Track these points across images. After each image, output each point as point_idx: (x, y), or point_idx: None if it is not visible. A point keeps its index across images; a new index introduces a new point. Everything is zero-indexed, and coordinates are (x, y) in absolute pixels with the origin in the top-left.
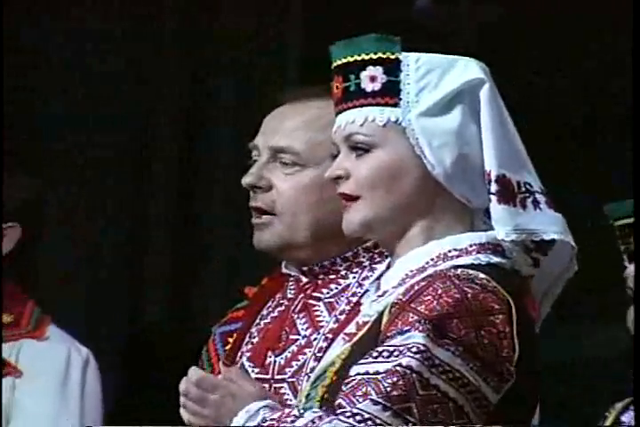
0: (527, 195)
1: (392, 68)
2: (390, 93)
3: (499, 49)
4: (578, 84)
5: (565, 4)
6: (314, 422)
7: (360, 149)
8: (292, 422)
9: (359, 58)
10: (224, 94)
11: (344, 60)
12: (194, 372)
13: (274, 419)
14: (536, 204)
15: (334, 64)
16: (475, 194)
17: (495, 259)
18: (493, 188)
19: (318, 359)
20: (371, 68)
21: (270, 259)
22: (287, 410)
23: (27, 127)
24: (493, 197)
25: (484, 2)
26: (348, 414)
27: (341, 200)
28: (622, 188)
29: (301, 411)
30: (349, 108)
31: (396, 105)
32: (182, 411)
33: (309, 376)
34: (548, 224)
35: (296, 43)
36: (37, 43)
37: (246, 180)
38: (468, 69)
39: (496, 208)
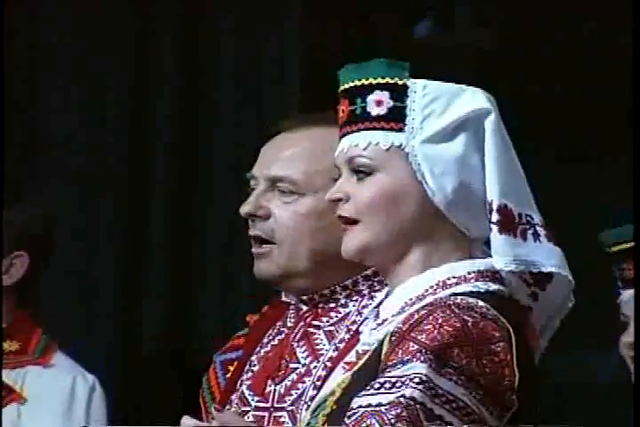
0: (528, 226)
1: (399, 93)
2: (396, 118)
3: (497, 74)
4: (577, 106)
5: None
6: None
7: (362, 173)
8: None
9: (367, 82)
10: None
11: (351, 84)
12: (187, 421)
13: None
14: (536, 236)
15: (342, 88)
16: (475, 223)
17: (494, 286)
18: (494, 217)
19: (318, 388)
20: (378, 92)
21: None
22: None
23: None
24: (494, 227)
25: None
26: None
27: (341, 223)
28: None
29: None
30: (354, 132)
31: (400, 130)
32: None
33: (309, 405)
34: (547, 257)
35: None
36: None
37: (244, 209)
38: (474, 99)
39: (496, 238)
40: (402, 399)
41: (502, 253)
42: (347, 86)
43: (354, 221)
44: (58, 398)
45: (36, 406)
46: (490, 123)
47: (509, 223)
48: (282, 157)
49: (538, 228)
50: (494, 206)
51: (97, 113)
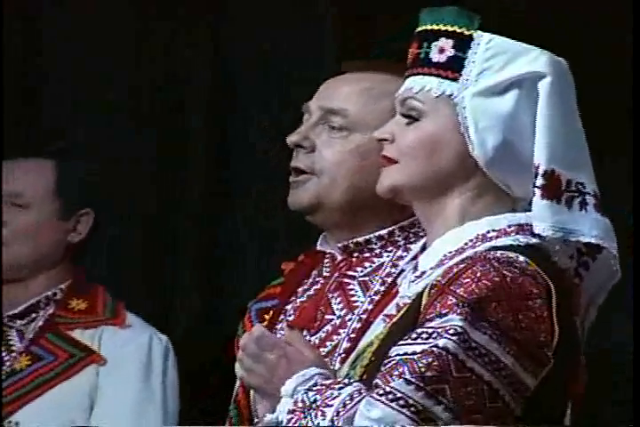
0: (576, 194)
1: (462, 43)
2: (453, 68)
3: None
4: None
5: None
6: (352, 396)
7: (410, 117)
8: (340, 389)
9: (436, 27)
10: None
11: (423, 28)
12: (257, 328)
13: (324, 385)
14: (583, 205)
15: (417, 29)
16: (516, 183)
17: (534, 240)
18: (539, 182)
19: (352, 340)
20: (443, 39)
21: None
22: (338, 379)
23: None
24: (537, 191)
25: None
26: (382, 392)
27: (381, 161)
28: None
29: (349, 381)
30: (414, 75)
31: (455, 80)
32: (237, 366)
33: (342, 356)
34: (590, 227)
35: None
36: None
37: (292, 138)
38: (535, 61)
39: (538, 202)
40: (435, 349)
41: (541, 219)
42: (420, 29)
43: (394, 162)
44: (136, 359)
45: (116, 367)
46: (544, 85)
47: (555, 189)
48: (340, 91)
49: (588, 197)
50: (540, 171)
51: (97, 113)
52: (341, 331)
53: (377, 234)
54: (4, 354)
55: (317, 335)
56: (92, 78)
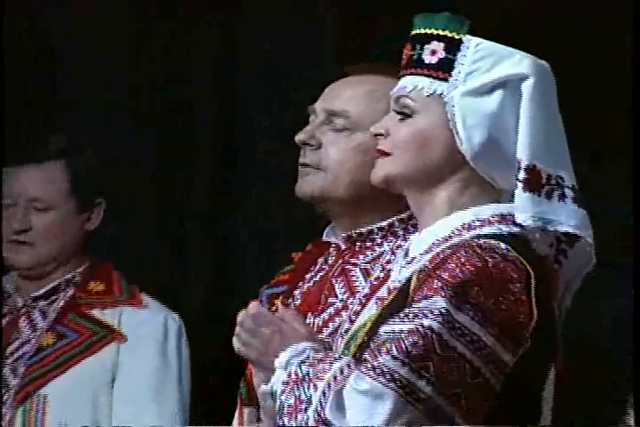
0: (556, 187)
1: (453, 46)
2: (444, 69)
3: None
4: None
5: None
6: (342, 370)
7: (403, 114)
8: (331, 363)
9: (429, 31)
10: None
11: (417, 31)
12: (253, 305)
13: (316, 358)
14: (562, 197)
15: (411, 33)
16: (500, 176)
17: (515, 229)
18: (521, 175)
19: (353, 322)
20: (435, 42)
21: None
22: (330, 353)
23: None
24: (519, 184)
25: None
26: (370, 367)
27: (376, 154)
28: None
29: (339, 356)
30: (407, 75)
31: (445, 80)
32: (234, 340)
33: (344, 337)
34: (568, 217)
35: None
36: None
37: (299, 137)
38: (519, 63)
39: (520, 194)
40: (420, 328)
41: (523, 210)
42: (414, 33)
43: (387, 154)
44: (154, 337)
45: (135, 345)
46: (527, 87)
47: (535, 183)
48: (343, 94)
49: (567, 190)
50: (522, 165)
51: (97, 113)
52: (343, 313)
53: (378, 225)
54: (29, 333)
55: (321, 317)
56: (93, 78)
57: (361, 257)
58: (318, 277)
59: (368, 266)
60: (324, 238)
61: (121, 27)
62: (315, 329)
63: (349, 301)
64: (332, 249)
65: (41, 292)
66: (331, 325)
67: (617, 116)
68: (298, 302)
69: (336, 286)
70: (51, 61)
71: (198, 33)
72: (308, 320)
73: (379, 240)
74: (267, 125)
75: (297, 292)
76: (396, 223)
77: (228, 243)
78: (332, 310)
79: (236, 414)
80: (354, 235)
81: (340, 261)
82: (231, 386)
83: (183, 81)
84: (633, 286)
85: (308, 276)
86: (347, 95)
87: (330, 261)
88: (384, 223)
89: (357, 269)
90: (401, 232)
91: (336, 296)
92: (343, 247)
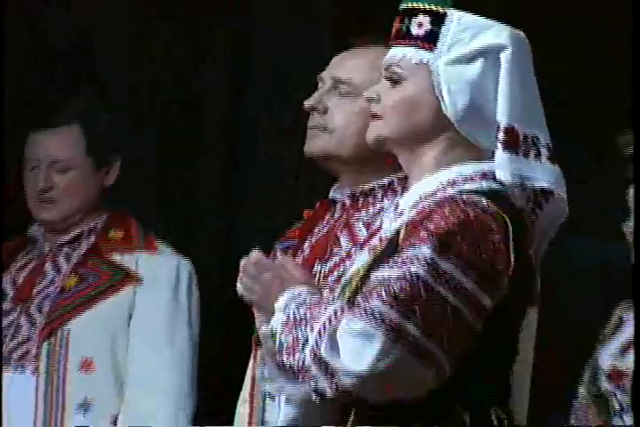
0: (532, 147)
1: (438, 19)
2: (429, 40)
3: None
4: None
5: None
6: (336, 313)
7: (393, 81)
8: (326, 307)
9: (416, 6)
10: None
11: (405, 6)
12: (255, 253)
13: (312, 301)
14: (538, 156)
15: (400, 7)
16: (483, 137)
17: (495, 185)
18: (500, 136)
19: None
20: (421, 16)
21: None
22: (326, 295)
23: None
24: (499, 144)
25: None
26: (362, 309)
27: (369, 117)
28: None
29: (334, 299)
30: (397, 46)
31: (431, 50)
32: (238, 284)
33: None
34: (543, 174)
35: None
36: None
37: (308, 102)
38: (497, 35)
39: (499, 154)
40: (408, 275)
41: (502, 167)
42: (402, 7)
43: (379, 117)
44: (167, 280)
45: (150, 287)
46: (505, 55)
47: (513, 143)
48: (349, 63)
49: (542, 149)
50: (501, 127)
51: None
52: (347, 262)
53: (379, 183)
54: (53, 275)
55: (327, 265)
56: (92, 78)
57: (363, 212)
58: (325, 230)
59: (370, 220)
60: (331, 195)
61: (121, 27)
62: (321, 276)
63: (352, 250)
64: (337, 205)
65: (66, 238)
66: (336, 272)
67: (617, 116)
68: (307, 253)
69: (341, 237)
70: (51, 61)
71: (198, 33)
72: (315, 268)
73: (379, 197)
74: (266, 125)
75: (306, 245)
76: (395, 181)
77: (231, 242)
78: (336, 258)
79: (252, 355)
80: (357, 192)
81: (345, 216)
82: (232, 385)
83: (183, 81)
84: (633, 285)
85: (316, 230)
86: (351, 64)
87: (335, 217)
88: (384, 181)
89: (360, 223)
90: (399, 189)
91: (340, 247)
92: (347, 203)
